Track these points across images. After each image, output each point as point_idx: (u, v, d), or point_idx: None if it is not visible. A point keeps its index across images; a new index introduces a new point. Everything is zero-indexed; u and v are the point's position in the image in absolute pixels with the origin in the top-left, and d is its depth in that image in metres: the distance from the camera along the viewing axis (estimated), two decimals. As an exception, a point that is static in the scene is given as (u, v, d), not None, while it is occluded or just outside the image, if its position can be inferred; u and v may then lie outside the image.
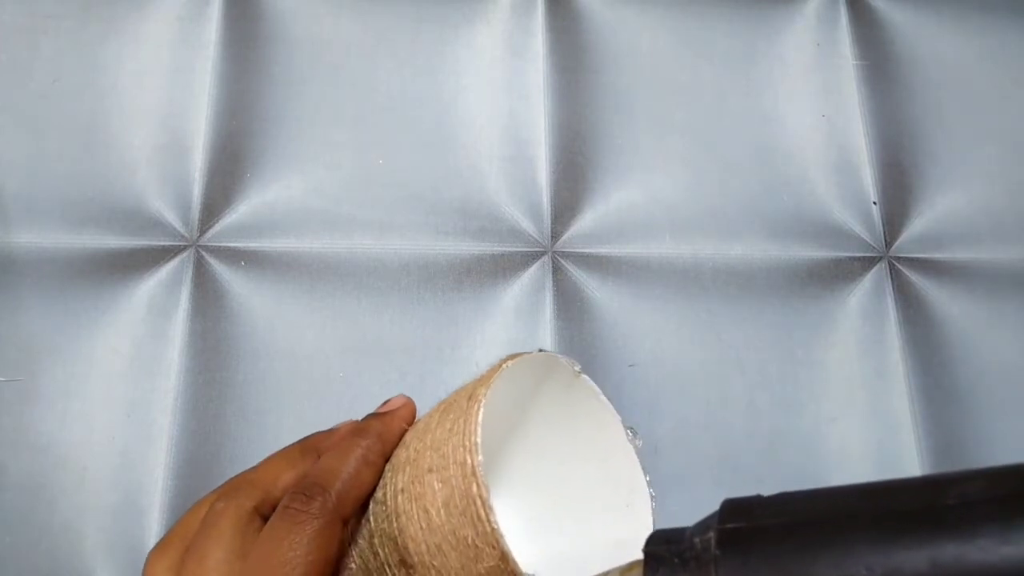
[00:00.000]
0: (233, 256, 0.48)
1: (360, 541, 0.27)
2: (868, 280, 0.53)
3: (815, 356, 0.50)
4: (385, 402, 0.30)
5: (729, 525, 0.19)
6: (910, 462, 0.49)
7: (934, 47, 0.60)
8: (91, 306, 0.46)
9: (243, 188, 0.50)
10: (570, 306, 0.50)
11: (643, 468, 0.27)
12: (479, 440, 0.23)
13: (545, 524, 0.31)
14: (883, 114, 0.57)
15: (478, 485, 0.22)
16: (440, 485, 0.23)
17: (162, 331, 0.46)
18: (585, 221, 0.52)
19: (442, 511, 0.23)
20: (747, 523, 0.19)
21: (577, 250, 0.51)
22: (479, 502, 0.22)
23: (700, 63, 0.57)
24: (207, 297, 0.47)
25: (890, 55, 0.59)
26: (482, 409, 0.24)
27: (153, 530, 0.43)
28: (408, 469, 0.26)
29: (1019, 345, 0.52)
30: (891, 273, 0.53)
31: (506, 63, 0.55)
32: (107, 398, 0.45)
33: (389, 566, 0.25)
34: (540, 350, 0.27)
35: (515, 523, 0.31)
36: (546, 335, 0.49)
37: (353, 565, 0.27)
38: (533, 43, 0.55)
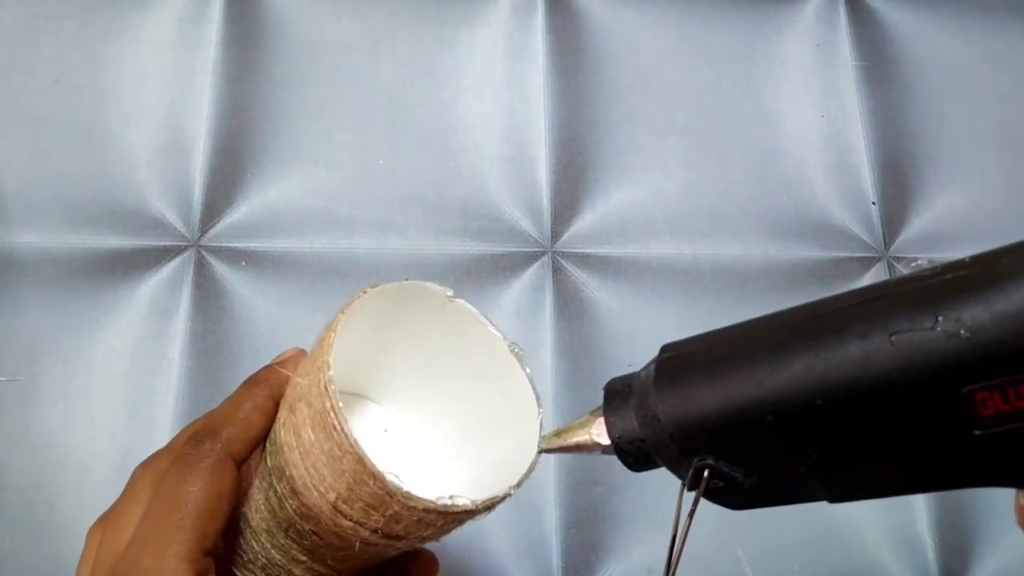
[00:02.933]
0: (234, 256, 0.48)
1: (263, 483, 0.28)
2: (868, 280, 0.53)
3: (815, 356, 0.50)
4: (279, 355, 0.32)
5: (664, 356, 0.24)
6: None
7: (933, 48, 0.60)
8: (92, 306, 0.46)
9: (244, 188, 0.50)
10: (570, 306, 0.50)
11: (531, 381, 0.29)
12: (330, 359, 0.25)
13: (452, 446, 0.32)
14: (882, 115, 0.57)
15: (329, 398, 0.24)
16: (307, 408, 0.25)
17: (163, 331, 0.46)
18: (585, 221, 0.52)
19: (311, 432, 0.25)
20: (678, 352, 0.24)
21: (577, 250, 0.51)
22: (333, 413, 0.24)
23: (700, 63, 0.57)
24: (208, 297, 0.47)
25: (889, 56, 0.59)
26: (337, 331, 0.26)
27: (154, 530, 0.43)
28: (286, 404, 0.27)
29: (1018, 345, 0.52)
30: (891, 273, 0.53)
31: (506, 63, 0.55)
32: (108, 398, 0.45)
33: (284, 498, 0.27)
34: (406, 279, 0.28)
35: (421, 448, 0.33)
36: (546, 335, 0.49)
37: (262, 507, 0.28)
38: (533, 43, 0.56)
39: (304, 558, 0.28)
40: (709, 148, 0.55)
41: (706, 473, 0.22)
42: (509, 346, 0.29)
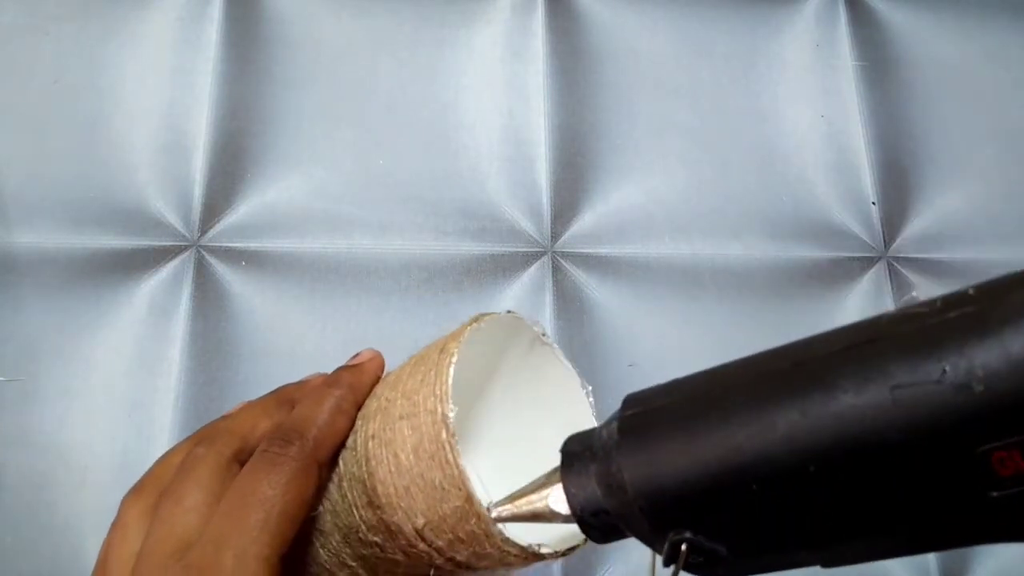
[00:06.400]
0: (234, 256, 0.48)
1: (328, 485, 0.28)
2: (867, 280, 0.53)
3: (815, 356, 0.50)
4: (355, 355, 0.31)
5: (628, 412, 0.21)
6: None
7: (933, 48, 0.60)
8: (92, 306, 0.46)
9: (244, 188, 0.50)
10: (570, 306, 0.50)
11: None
12: (449, 390, 0.24)
13: (512, 480, 0.32)
14: (882, 115, 0.57)
15: (447, 431, 0.24)
16: (410, 431, 0.25)
17: (163, 331, 0.46)
18: (585, 221, 0.52)
19: (411, 455, 0.24)
20: (643, 408, 0.20)
21: (577, 250, 0.51)
22: (447, 447, 0.24)
23: (700, 64, 0.57)
24: (208, 297, 0.47)
25: (889, 56, 0.59)
26: (454, 361, 0.25)
27: (154, 530, 0.43)
28: (379, 417, 0.27)
29: (1018, 345, 0.52)
30: (890, 273, 0.53)
31: (506, 64, 0.55)
32: (108, 398, 0.45)
33: (356, 507, 0.26)
34: (508, 311, 0.28)
35: (483, 476, 0.32)
36: (546, 335, 0.49)
37: (321, 508, 0.28)
38: (533, 44, 0.56)
39: (353, 563, 0.28)
40: (709, 148, 0.55)
41: (684, 547, 0.19)
42: (585, 393, 0.29)
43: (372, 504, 0.26)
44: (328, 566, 0.28)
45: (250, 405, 0.30)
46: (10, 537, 0.42)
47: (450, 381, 0.25)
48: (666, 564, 0.20)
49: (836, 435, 0.17)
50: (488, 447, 0.33)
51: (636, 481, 0.19)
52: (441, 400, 0.24)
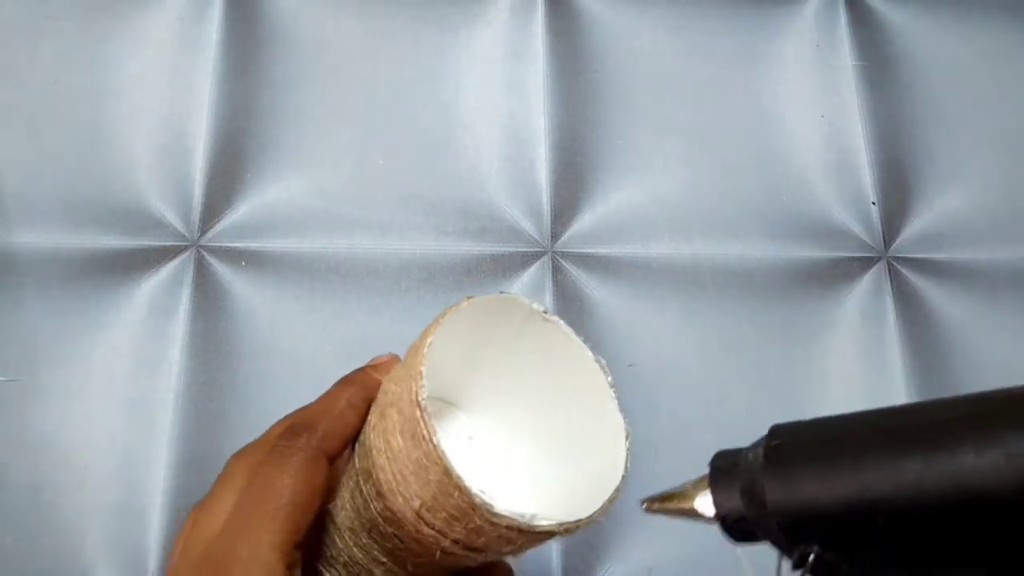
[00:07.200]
0: (234, 256, 0.48)
1: (349, 482, 0.29)
2: (867, 280, 0.53)
3: (814, 356, 0.50)
4: (373, 358, 0.33)
5: (774, 442, 0.24)
6: (909, 462, 0.49)
7: (933, 48, 0.60)
8: (92, 306, 0.46)
9: (244, 188, 0.50)
10: (570, 306, 0.50)
11: (618, 403, 0.29)
12: (423, 368, 0.25)
13: (535, 462, 0.32)
14: (882, 115, 0.57)
15: (419, 407, 0.25)
16: (397, 415, 0.26)
17: (163, 331, 0.46)
18: (585, 221, 0.52)
19: (399, 438, 0.25)
20: (788, 440, 0.24)
21: (577, 250, 0.51)
22: (422, 423, 0.24)
23: (700, 64, 0.57)
24: (208, 297, 0.47)
25: (889, 56, 0.59)
26: (429, 342, 0.26)
27: (154, 530, 0.43)
28: (376, 408, 0.28)
29: (1018, 345, 0.52)
30: (890, 273, 0.53)
31: (506, 64, 0.55)
32: (108, 398, 0.45)
33: (370, 499, 0.27)
34: (501, 292, 0.28)
35: (504, 460, 0.33)
36: (546, 335, 0.49)
37: (348, 505, 0.28)
38: (533, 44, 0.56)
39: (385, 559, 0.28)
40: (709, 148, 0.55)
41: (811, 558, 0.22)
42: (600, 367, 0.29)
43: (380, 495, 0.26)
44: (365, 564, 0.29)
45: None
46: (10, 537, 0.42)
47: (425, 360, 0.26)
48: (794, 569, 0.23)
49: (955, 487, 0.20)
50: (506, 429, 0.33)
51: (776, 500, 0.23)
52: (415, 379, 0.25)
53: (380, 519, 0.27)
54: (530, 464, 0.32)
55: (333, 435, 0.28)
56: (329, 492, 0.29)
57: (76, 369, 0.45)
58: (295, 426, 0.28)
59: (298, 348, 0.47)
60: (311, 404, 0.30)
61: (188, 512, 0.28)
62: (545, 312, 0.30)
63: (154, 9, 0.53)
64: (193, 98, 0.51)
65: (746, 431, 0.50)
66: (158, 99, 0.51)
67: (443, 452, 0.24)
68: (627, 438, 0.28)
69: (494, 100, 0.54)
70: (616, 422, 0.29)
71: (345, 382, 0.31)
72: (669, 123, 0.55)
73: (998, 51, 0.60)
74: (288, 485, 0.26)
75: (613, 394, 0.29)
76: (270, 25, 0.54)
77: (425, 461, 0.24)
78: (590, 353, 0.30)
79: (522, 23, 0.56)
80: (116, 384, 0.45)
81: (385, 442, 0.26)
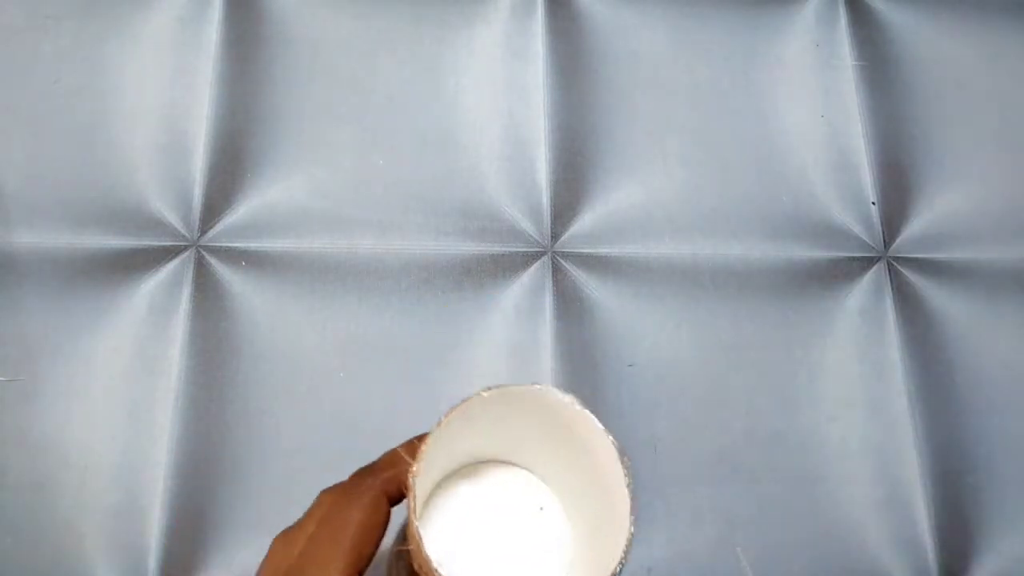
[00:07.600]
0: (234, 256, 0.48)
1: (399, 536, 0.31)
2: (867, 280, 0.53)
3: (814, 356, 0.50)
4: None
5: None
6: (909, 461, 0.49)
7: (933, 48, 0.60)
8: (92, 306, 0.46)
9: (244, 188, 0.50)
10: (570, 306, 0.50)
11: (631, 501, 0.29)
12: (417, 472, 0.27)
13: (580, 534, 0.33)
14: (882, 114, 0.57)
15: (409, 489, 0.27)
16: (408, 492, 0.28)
17: (163, 331, 0.46)
18: (585, 221, 0.52)
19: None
20: None
21: (577, 250, 0.51)
22: (409, 506, 0.27)
23: (699, 64, 0.57)
24: (208, 297, 0.47)
25: (889, 56, 0.59)
26: (424, 450, 0.28)
27: (153, 530, 0.43)
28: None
29: (1018, 345, 0.52)
30: (890, 273, 0.53)
31: (506, 64, 0.55)
32: (108, 398, 0.45)
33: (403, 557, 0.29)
34: (533, 384, 0.28)
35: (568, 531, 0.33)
36: (546, 335, 0.49)
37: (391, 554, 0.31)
38: (533, 44, 0.56)
39: None
40: (709, 148, 0.55)
41: None
42: (622, 461, 0.29)
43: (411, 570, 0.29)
44: None
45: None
46: (10, 537, 0.42)
47: (416, 475, 0.27)
48: None
49: None
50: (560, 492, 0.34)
51: None
52: (411, 477, 0.28)
53: (416, 563, 0.29)
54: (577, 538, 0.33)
55: (394, 481, 0.31)
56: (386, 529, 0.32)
57: (76, 369, 0.45)
58: (363, 470, 0.32)
59: (298, 348, 0.47)
60: (384, 454, 0.33)
61: (277, 536, 0.31)
62: (577, 404, 0.29)
63: (154, 9, 0.53)
64: (193, 98, 0.51)
65: (746, 431, 0.50)
66: (158, 99, 0.51)
67: (416, 530, 0.26)
68: (629, 533, 0.28)
69: (494, 100, 0.54)
70: (623, 515, 0.28)
71: (411, 441, 0.34)
72: (669, 123, 0.55)
73: (998, 51, 0.60)
74: (354, 519, 0.29)
75: (628, 488, 0.29)
76: (270, 25, 0.54)
77: (412, 532, 0.26)
78: (615, 444, 0.29)
79: (522, 23, 0.56)
80: (116, 384, 0.45)
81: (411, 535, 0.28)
